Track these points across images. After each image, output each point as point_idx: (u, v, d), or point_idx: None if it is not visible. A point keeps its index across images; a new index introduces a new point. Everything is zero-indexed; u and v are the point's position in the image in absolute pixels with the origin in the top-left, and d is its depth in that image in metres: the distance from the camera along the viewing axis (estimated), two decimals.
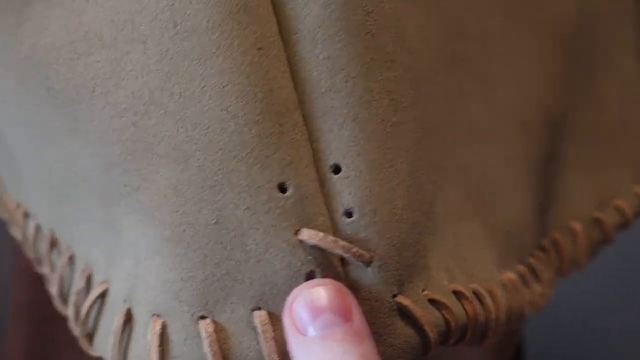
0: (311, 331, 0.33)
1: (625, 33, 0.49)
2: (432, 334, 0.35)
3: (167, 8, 0.35)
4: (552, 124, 0.44)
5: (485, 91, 0.41)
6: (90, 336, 0.38)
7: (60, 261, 0.40)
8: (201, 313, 0.34)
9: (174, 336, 0.35)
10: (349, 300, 0.34)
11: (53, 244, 0.41)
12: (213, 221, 0.34)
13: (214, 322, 0.34)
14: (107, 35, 0.36)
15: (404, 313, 0.35)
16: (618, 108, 0.48)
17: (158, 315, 0.35)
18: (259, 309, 0.34)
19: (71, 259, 0.39)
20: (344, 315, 0.33)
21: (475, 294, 0.38)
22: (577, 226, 0.45)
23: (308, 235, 0.34)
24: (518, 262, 0.41)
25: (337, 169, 0.35)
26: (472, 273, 0.38)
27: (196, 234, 0.34)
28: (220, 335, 0.34)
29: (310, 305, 0.33)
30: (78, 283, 0.38)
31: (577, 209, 0.46)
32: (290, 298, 0.34)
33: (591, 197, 0.47)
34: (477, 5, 0.41)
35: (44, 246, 0.41)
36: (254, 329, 0.34)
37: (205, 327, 0.34)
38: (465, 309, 0.37)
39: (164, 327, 0.35)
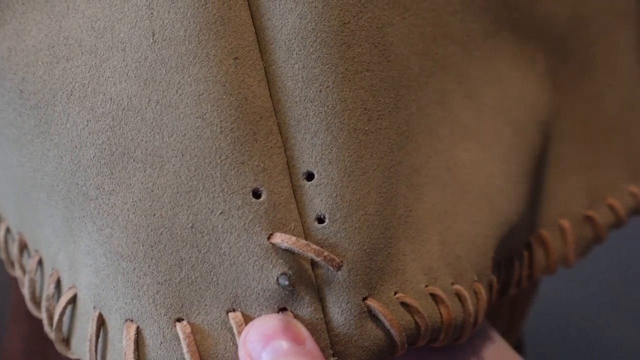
0: (265, 356, 0.34)
1: (625, 33, 0.49)
2: (399, 337, 0.36)
3: (146, 17, 0.36)
4: (543, 124, 0.45)
5: (468, 91, 0.42)
6: (66, 341, 0.39)
7: (30, 265, 0.40)
8: (177, 315, 0.35)
9: (149, 340, 0.35)
10: (300, 328, 0.35)
11: (22, 247, 0.41)
12: (189, 225, 0.35)
13: (191, 324, 0.35)
14: (87, 42, 0.36)
15: (374, 315, 0.36)
16: (615, 107, 0.49)
17: (131, 320, 0.36)
18: (234, 310, 0.35)
19: (40, 263, 0.40)
20: (296, 340, 0.34)
21: (458, 295, 0.38)
22: (566, 224, 0.46)
23: (281, 239, 0.35)
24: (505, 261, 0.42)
25: (309, 176, 0.36)
26: (461, 273, 0.39)
27: (173, 237, 0.35)
28: (197, 336, 0.35)
29: (261, 334, 0.34)
30: (48, 288, 0.39)
31: (567, 208, 0.46)
32: (243, 333, 0.35)
33: (583, 196, 0.47)
34: (461, 9, 0.42)
35: (14, 249, 0.42)
36: (229, 330, 0.35)
37: (183, 329, 0.35)
38: (440, 313, 0.37)
39: (138, 332, 0.35)
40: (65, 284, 0.38)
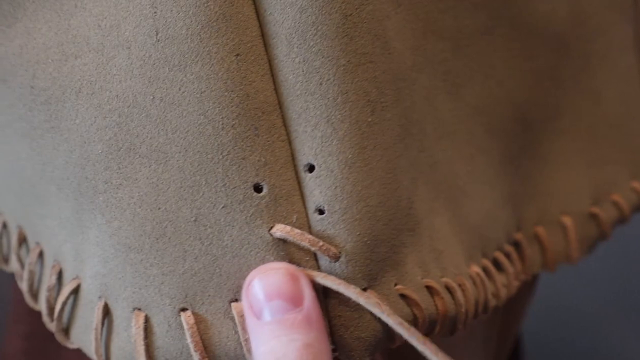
0: (265, 315, 0.35)
1: (622, 30, 0.49)
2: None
3: (150, 15, 0.37)
4: (528, 120, 0.45)
5: (452, 88, 0.42)
6: (65, 330, 0.40)
7: (30, 257, 0.41)
8: (182, 305, 0.37)
9: (156, 328, 0.37)
10: (300, 285, 0.36)
11: (21, 240, 0.42)
12: (192, 218, 0.36)
13: (195, 313, 0.36)
14: (94, 40, 0.37)
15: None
16: (615, 104, 0.49)
17: (139, 309, 0.37)
18: (236, 300, 0.36)
19: (40, 255, 0.41)
20: (294, 301, 0.35)
21: (447, 287, 0.39)
22: (568, 221, 0.46)
23: (278, 229, 0.36)
24: (482, 255, 0.43)
25: (311, 168, 0.37)
26: (444, 267, 0.40)
27: (177, 230, 0.36)
28: (200, 326, 0.36)
29: (263, 289, 0.35)
30: (49, 279, 0.40)
31: (569, 204, 0.47)
32: (247, 281, 0.36)
33: (586, 193, 0.48)
34: (453, 6, 0.42)
35: (12, 243, 0.43)
36: (232, 319, 0.36)
37: (187, 319, 0.36)
38: (436, 305, 0.38)
39: (147, 320, 0.37)
40: (67, 276, 0.40)
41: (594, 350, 0.78)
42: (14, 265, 0.43)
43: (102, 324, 0.38)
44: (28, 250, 0.42)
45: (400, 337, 0.37)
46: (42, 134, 0.39)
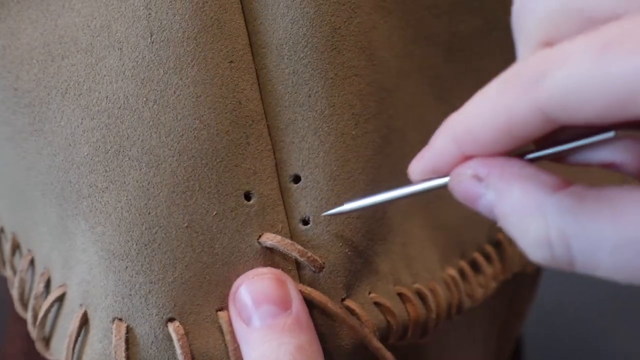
0: (254, 321, 0.35)
1: None
2: (373, 337, 0.37)
3: (144, 17, 0.36)
4: None
5: (440, 93, 0.43)
6: (47, 340, 0.38)
7: (21, 265, 0.40)
8: (169, 315, 0.36)
9: (140, 339, 0.36)
10: (288, 289, 0.35)
11: (15, 247, 0.41)
12: (184, 224, 0.36)
13: (183, 323, 0.36)
14: (83, 40, 0.37)
15: (351, 316, 0.37)
16: None
17: (120, 319, 0.36)
18: (222, 309, 0.36)
19: (31, 263, 0.40)
20: (283, 305, 0.35)
21: (419, 293, 0.40)
22: None
23: (267, 237, 0.36)
24: (459, 257, 0.43)
25: (296, 179, 0.37)
26: (416, 272, 0.40)
27: (168, 236, 0.36)
28: (188, 336, 0.36)
29: (251, 295, 0.35)
30: (38, 287, 0.39)
31: None
32: (233, 288, 0.36)
33: None
34: (448, 10, 0.42)
35: (6, 249, 0.41)
36: (218, 328, 0.36)
37: (176, 330, 0.35)
38: (407, 311, 0.39)
39: (129, 331, 0.36)
40: (55, 283, 0.38)
41: (594, 350, 0.78)
42: (7, 272, 0.41)
43: (78, 333, 0.36)
44: (20, 257, 0.41)
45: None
46: (26, 138, 0.38)
